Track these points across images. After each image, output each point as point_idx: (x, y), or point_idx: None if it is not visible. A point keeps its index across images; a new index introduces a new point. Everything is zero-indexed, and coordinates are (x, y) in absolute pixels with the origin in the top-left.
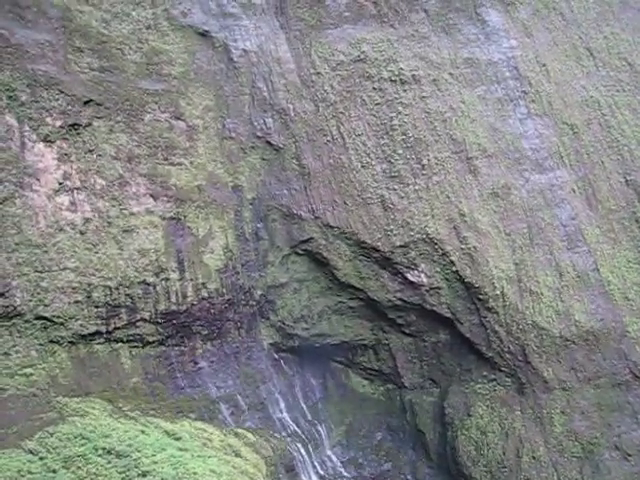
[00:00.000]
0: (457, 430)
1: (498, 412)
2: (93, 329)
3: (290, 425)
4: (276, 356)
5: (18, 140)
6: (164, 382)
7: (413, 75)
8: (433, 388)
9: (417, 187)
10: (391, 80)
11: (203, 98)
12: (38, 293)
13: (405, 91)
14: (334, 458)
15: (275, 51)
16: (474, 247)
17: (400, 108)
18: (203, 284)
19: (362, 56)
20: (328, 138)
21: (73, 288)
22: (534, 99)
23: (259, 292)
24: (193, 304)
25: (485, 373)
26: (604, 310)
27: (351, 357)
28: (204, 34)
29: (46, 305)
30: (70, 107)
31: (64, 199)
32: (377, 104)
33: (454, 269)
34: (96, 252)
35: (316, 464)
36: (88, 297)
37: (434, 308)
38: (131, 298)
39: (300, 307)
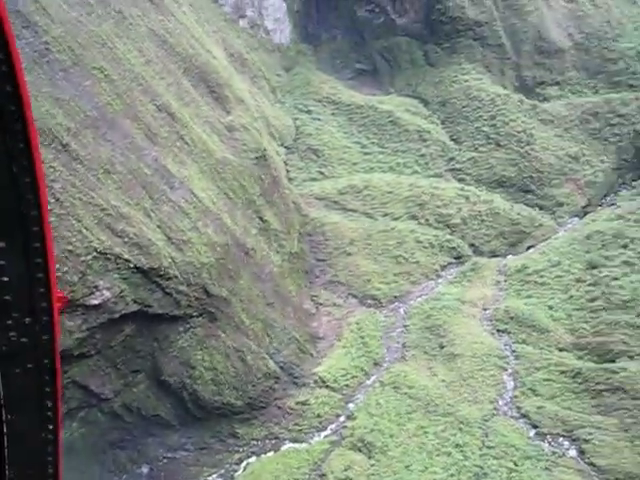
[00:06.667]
0: (191, 386)
1: (211, 344)
2: None
3: None
4: None
5: None
6: None
7: None
8: (138, 377)
9: None
10: None
11: None
12: None
13: None
14: None
15: None
16: (134, 234)
17: None
18: None
19: None
20: None
21: None
22: None
23: None
24: None
25: (181, 329)
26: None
27: None
28: None
29: None
30: None
31: None
32: None
33: (131, 265)
34: None
35: None
36: None
37: (122, 311)
38: None
39: None
